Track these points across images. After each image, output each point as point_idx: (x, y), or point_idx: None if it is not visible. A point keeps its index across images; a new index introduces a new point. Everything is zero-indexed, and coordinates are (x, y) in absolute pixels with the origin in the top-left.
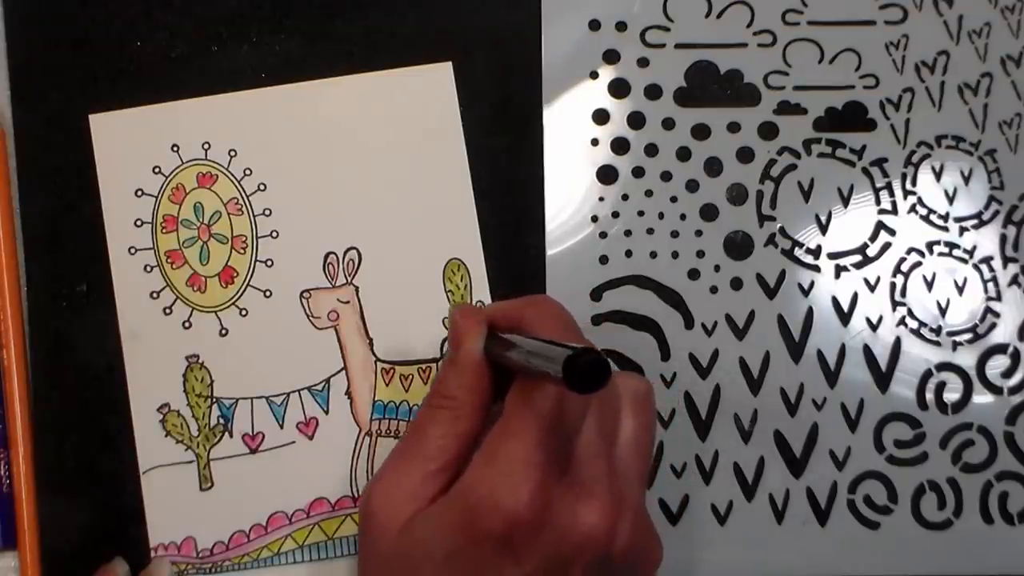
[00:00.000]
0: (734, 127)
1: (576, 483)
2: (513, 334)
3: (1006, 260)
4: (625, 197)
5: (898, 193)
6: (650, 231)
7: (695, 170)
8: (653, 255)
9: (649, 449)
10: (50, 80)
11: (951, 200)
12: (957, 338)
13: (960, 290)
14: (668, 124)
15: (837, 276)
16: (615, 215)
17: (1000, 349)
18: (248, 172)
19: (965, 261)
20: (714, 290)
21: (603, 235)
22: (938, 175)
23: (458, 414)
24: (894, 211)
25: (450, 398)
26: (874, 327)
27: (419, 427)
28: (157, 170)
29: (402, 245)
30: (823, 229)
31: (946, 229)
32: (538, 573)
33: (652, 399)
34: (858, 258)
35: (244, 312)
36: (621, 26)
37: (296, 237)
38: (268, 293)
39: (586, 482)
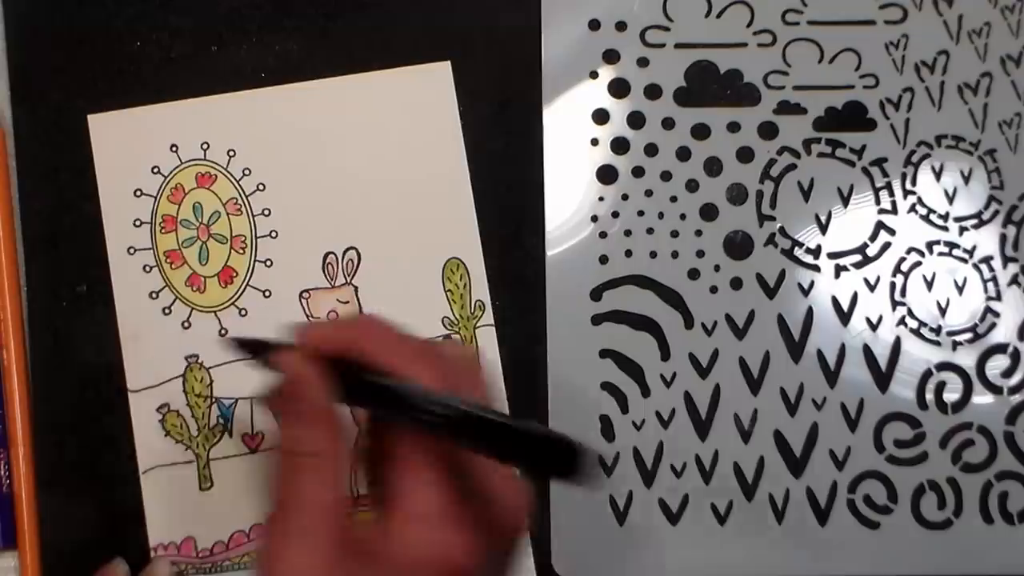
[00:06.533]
0: (734, 127)
1: (480, 498)
2: (380, 376)
3: (1006, 260)
4: (625, 197)
5: (898, 193)
6: (650, 231)
7: (695, 170)
8: (653, 255)
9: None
10: (50, 80)
11: (951, 200)
12: (957, 338)
13: (960, 290)
14: (668, 124)
15: (837, 276)
16: (615, 215)
17: (1000, 349)
18: (247, 172)
19: (965, 261)
20: (714, 290)
21: (603, 235)
22: (938, 175)
23: (328, 466)
24: (894, 211)
25: (313, 455)
26: (874, 327)
27: (291, 497)
28: (156, 170)
29: (401, 245)
30: (823, 229)
31: (946, 229)
32: None
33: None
34: (858, 258)
35: (243, 312)
36: (621, 26)
37: (295, 237)
38: (267, 293)
39: (488, 494)
